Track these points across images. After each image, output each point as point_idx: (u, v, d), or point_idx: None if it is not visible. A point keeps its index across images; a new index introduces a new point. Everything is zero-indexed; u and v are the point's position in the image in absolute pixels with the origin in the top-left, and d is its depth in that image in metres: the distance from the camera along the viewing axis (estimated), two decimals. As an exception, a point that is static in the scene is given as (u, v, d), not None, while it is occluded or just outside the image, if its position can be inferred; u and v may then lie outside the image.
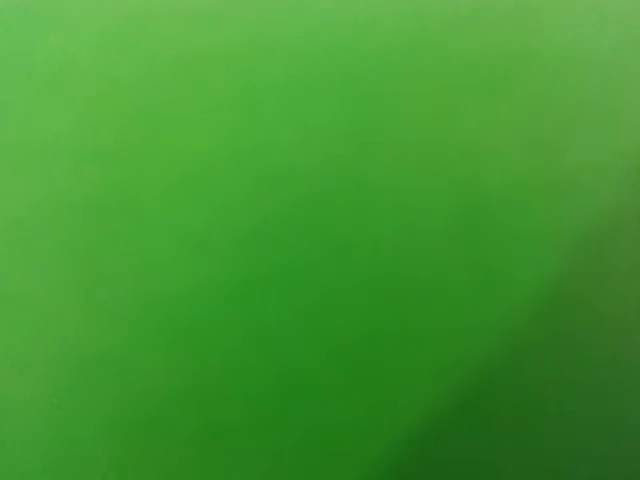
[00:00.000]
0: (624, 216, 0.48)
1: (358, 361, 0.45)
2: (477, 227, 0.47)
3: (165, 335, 0.45)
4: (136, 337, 0.44)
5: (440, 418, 0.45)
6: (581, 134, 0.49)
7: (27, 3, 0.48)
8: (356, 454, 0.44)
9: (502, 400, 0.45)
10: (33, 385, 0.43)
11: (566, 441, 0.45)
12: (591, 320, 0.47)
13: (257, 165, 0.47)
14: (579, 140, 0.49)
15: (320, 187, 0.47)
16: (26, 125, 0.47)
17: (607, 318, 0.47)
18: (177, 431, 0.44)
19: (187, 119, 0.48)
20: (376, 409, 0.45)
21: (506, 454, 0.45)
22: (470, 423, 0.45)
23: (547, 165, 0.49)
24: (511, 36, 0.50)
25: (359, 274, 0.46)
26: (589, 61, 0.50)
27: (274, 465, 0.44)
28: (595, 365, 0.46)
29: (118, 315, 0.45)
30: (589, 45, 0.51)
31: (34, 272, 0.45)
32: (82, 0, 0.48)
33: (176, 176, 0.47)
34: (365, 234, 0.47)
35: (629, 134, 0.49)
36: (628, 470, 0.45)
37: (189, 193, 0.47)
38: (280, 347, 0.45)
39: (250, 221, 0.47)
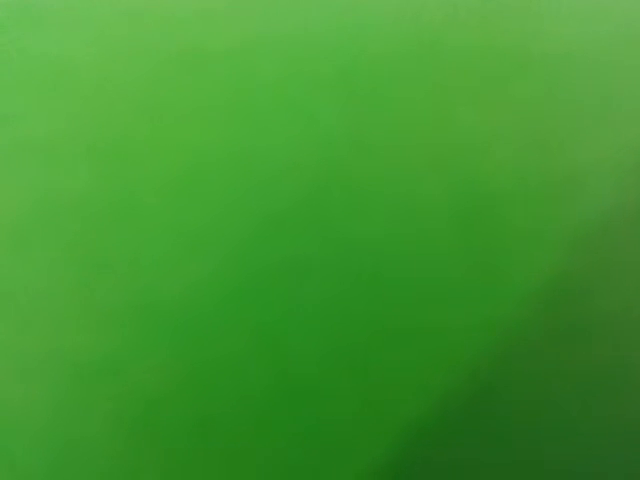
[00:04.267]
0: (624, 214, 0.48)
1: (359, 360, 0.45)
2: (477, 226, 0.47)
3: (165, 335, 0.45)
4: (136, 337, 0.44)
5: (442, 416, 0.45)
6: (581, 133, 0.49)
7: (25, 1, 0.48)
8: (357, 453, 0.44)
9: (504, 397, 0.45)
10: (32, 385, 0.44)
11: (567, 438, 0.45)
12: (592, 318, 0.47)
13: (256, 165, 0.47)
14: (579, 139, 0.49)
15: (319, 187, 0.47)
16: (24, 123, 0.47)
17: (608, 316, 0.47)
18: (177, 431, 0.44)
19: (185, 118, 0.48)
20: (377, 407, 0.45)
21: (507, 452, 0.45)
22: (472, 421, 0.45)
23: (547, 164, 0.48)
24: (510, 36, 0.50)
25: (358, 274, 0.46)
26: (588, 60, 0.50)
27: (276, 464, 0.44)
28: (596, 362, 0.46)
29: (117, 315, 0.45)
30: (588, 44, 0.51)
31: (32, 273, 0.45)
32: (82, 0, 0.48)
33: (175, 175, 0.47)
34: (365, 234, 0.47)
35: (629, 132, 0.49)
36: (629, 468, 0.45)
37: (188, 193, 0.47)
38: (280, 346, 0.45)
39: (249, 221, 0.47)
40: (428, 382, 0.45)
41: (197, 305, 0.45)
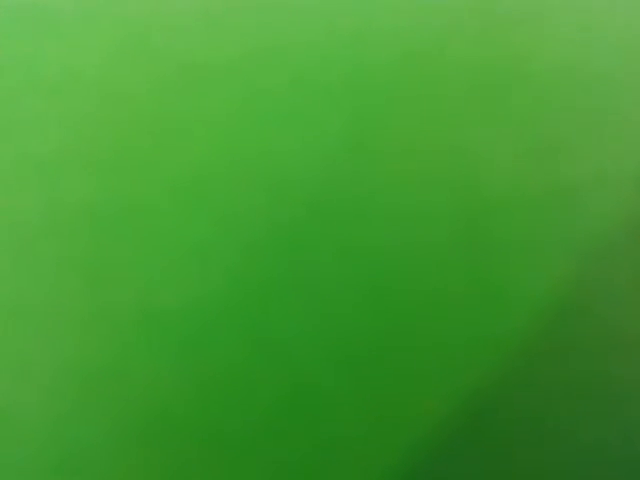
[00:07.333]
0: (624, 225, 0.48)
1: (360, 371, 0.45)
2: (477, 236, 0.47)
3: (169, 343, 0.45)
4: (140, 345, 0.44)
5: (444, 430, 0.45)
6: (581, 143, 0.49)
7: (28, 12, 0.48)
8: (360, 465, 0.44)
9: (505, 411, 0.45)
10: (37, 392, 0.44)
11: (570, 452, 0.45)
12: (593, 330, 0.47)
13: (259, 174, 0.47)
14: (579, 149, 0.49)
15: (321, 196, 0.47)
16: (28, 134, 0.47)
17: (609, 328, 0.47)
18: (180, 439, 0.44)
19: (189, 129, 0.48)
20: (380, 419, 0.45)
21: (509, 466, 0.45)
22: (473, 435, 0.45)
23: (548, 175, 0.49)
24: (511, 45, 0.50)
25: (360, 284, 0.46)
26: (588, 69, 0.50)
27: (278, 475, 0.44)
28: (598, 376, 0.46)
29: (121, 323, 0.45)
30: (588, 53, 0.51)
31: (38, 281, 0.45)
32: (83, 10, 0.49)
33: (178, 185, 0.47)
34: (366, 244, 0.47)
35: (629, 142, 0.50)
36: (631, 478, 0.45)
37: (191, 202, 0.47)
38: (282, 356, 0.45)
39: (253, 230, 0.47)
40: (431, 395, 0.45)
41: (203, 313, 0.45)
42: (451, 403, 0.45)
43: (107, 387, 0.44)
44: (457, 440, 0.45)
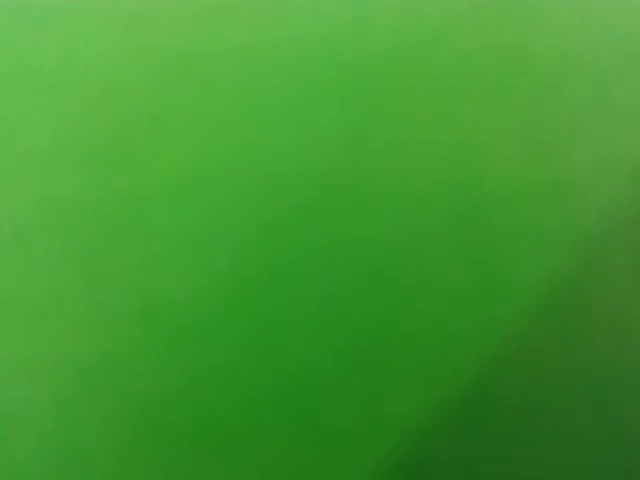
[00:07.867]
0: (623, 216, 0.48)
1: (357, 363, 0.45)
2: (477, 228, 0.47)
3: (166, 338, 0.45)
4: (137, 340, 0.44)
5: (440, 420, 0.45)
6: (579, 135, 0.49)
7: (23, 5, 0.48)
8: (355, 456, 0.44)
9: (503, 399, 0.45)
10: (34, 387, 0.44)
11: (565, 442, 0.45)
12: (591, 321, 0.47)
13: (257, 168, 0.47)
14: (578, 141, 0.49)
15: (320, 189, 0.47)
16: (27, 129, 0.47)
17: (607, 319, 0.47)
18: (178, 433, 0.44)
19: (186, 123, 0.48)
20: (375, 410, 0.45)
21: (506, 456, 0.45)
22: (470, 424, 0.45)
23: (546, 166, 0.49)
24: (510, 38, 0.50)
25: (359, 276, 0.46)
26: (587, 62, 0.50)
27: (273, 468, 0.44)
28: (595, 366, 0.46)
29: (119, 318, 0.45)
30: (587, 47, 0.51)
31: (35, 276, 0.45)
32: (81, 3, 0.49)
33: (176, 179, 0.47)
34: (365, 236, 0.47)
35: (627, 135, 0.50)
36: (626, 469, 0.45)
37: (189, 196, 0.47)
38: (279, 349, 0.45)
39: (250, 223, 0.47)
40: (428, 385, 0.45)
41: (199, 308, 0.45)
42: (449, 392, 0.45)
43: (103, 382, 0.44)
44: (455, 428, 0.45)
